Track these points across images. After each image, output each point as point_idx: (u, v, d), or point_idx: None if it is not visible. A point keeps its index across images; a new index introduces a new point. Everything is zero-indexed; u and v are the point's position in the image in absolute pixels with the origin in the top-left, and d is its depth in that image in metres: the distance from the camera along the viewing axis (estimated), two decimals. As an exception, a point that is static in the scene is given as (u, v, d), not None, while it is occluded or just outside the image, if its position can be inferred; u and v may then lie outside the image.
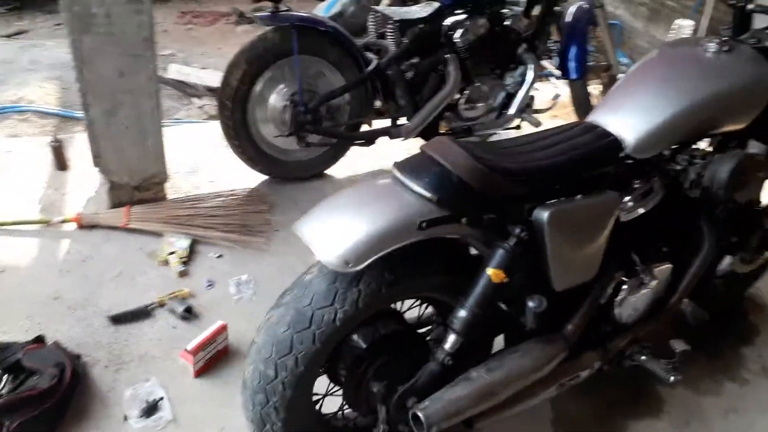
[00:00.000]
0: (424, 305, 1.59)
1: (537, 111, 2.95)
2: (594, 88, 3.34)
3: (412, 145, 2.88)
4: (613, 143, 1.49)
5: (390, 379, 1.37)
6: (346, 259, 1.19)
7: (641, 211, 1.53)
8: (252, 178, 2.71)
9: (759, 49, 1.63)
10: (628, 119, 1.53)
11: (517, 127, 2.96)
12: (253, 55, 2.46)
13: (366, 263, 1.20)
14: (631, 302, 1.59)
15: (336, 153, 2.78)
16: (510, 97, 2.89)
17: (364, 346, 1.36)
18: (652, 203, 1.55)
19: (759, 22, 1.78)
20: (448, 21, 2.67)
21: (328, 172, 2.82)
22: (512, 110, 2.86)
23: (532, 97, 2.91)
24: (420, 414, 1.28)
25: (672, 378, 1.61)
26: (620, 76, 4.00)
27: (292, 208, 2.53)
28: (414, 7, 2.77)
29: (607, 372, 1.64)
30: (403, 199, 1.28)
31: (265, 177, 2.74)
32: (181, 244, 2.27)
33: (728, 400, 1.85)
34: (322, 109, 2.56)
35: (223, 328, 1.88)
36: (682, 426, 1.78)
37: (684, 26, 3.80)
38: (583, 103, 3.14)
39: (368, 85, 2.64)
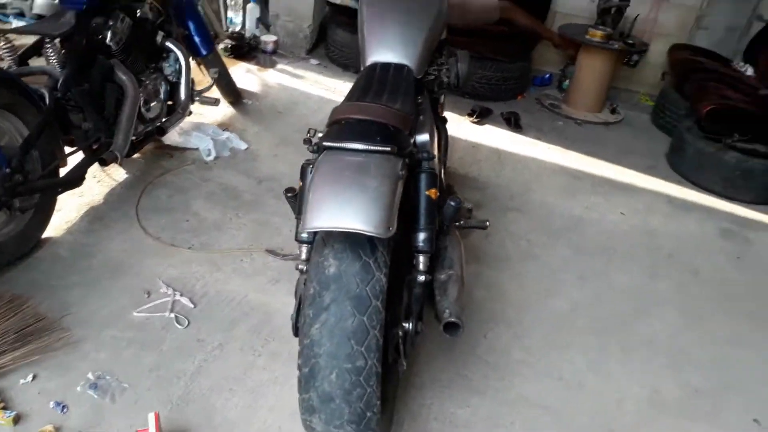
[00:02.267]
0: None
1: (202, 91, 3.02)
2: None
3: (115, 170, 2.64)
4: (410, 72, 1.91)
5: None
6: (386, 224, 1.33)
7: None
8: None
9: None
10: (404, 52, 1.96)
11: (191, 113, 2.98)
12: None
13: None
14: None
15: (45, 212, 2.31)
16: (174, 86, 2.88)
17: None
18: None
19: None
20: (93, 26, 2.45)
21: (46, 235, 2.33)
22: (183, 97, 2.87)
23: (192, 80, 2.95)
24: (454, 320, 1.55)
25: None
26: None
27: (50, 288, 2.09)
28: (44, 22, 2.41)
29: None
30: (374, 160, 1.44)
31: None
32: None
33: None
34: (28, 165, 2.10)
35: (157, 416, 1.61)
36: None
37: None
38: (224, 77, 3.33)
39: (52, 121, 2.25)
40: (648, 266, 2.78)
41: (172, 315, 2.07)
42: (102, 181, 2.72)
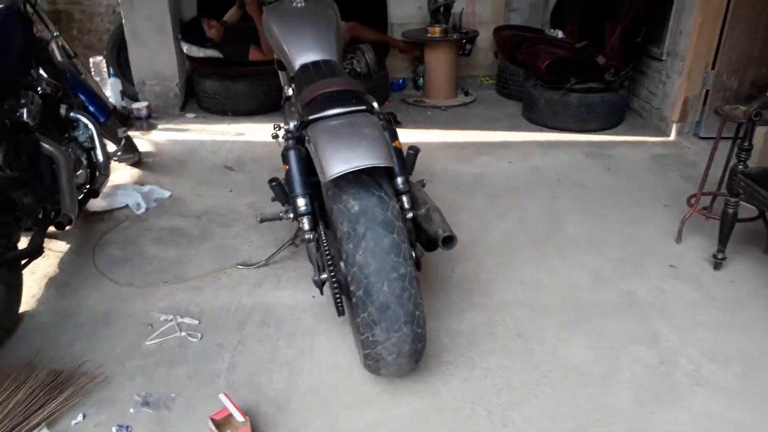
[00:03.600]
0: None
1: (116, 151, 3.12)
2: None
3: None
4: (337, 63, 2.27)
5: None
6: (390, 157, 1.67)
7: None
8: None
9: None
10: (325, 48, 2.31)
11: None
12: None
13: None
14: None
15: (17, 287, 2.31)
16: (91, 152, 2.96)
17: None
18: None
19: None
20: (7, 108, 2.51)
21: (21, 310, 2.32)
22: (102, 159, 2.96)
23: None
24: (449, 233, 1.90)
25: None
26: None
27: (51, 350, 2.13)
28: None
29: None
30: (358, 117, 1.77)
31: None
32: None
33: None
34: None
35: (227, 395, 1.77)
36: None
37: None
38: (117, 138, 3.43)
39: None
40: (546, 192, 3.33)
41: (183, 334, 2.20)
42: (47, 256, 2.71)
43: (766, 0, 3.67)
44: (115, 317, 2.31)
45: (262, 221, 2.54)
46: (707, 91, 4.00)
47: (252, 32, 4.52)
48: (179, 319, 2.27)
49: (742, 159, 2.36)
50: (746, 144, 2.34)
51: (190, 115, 4.69)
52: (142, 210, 3.11)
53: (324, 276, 1.95)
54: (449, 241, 1.89)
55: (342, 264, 1.74)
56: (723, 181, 2.87)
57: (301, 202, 1.97)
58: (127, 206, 3.13)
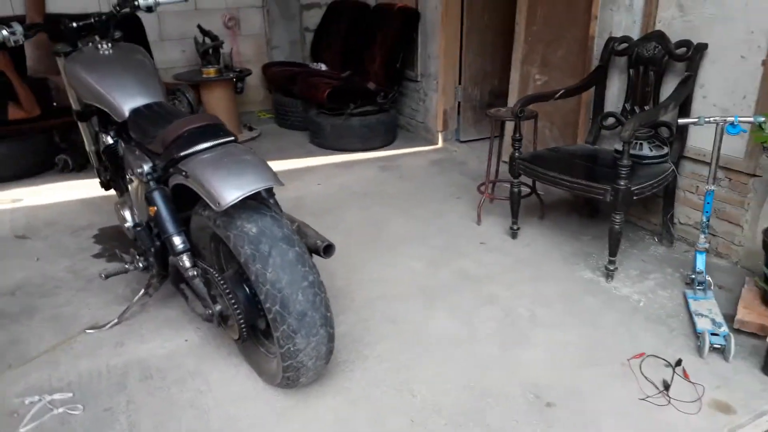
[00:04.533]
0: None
1: None
2: None
3: None
4: (166, 104, 2.32)
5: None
6: (275, 177, 1.82)
7: None
8: None
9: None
10: (151, 91, 2.34)
11: None
12: None
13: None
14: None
15: None
16: None
17: None
18: None
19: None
20: None
21: None
22: None
23: None
24: (329, 242, 2.09)
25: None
26: None
27: None
28: None
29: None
30: (229, 147, 1.89)
31: None
32: None
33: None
34: None
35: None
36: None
37: None
38: None
39: None
40: (360, 203, 3.70)
41: (61, 410, 2.00)
42: None
43: (487, 25, 4.58)
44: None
45: (107, 277, 2.44)
46: (459, 103, 4.80)
47: (6, 89, 4.09)
48: (48, 397, 2.05)
49: (516, 147, 2.99)
50: (517, 135, 2.97)
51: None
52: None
53: (218, 307, 1.99)
54: (329, 249, 2.09)
55: (243, 288, 1.82)
56: (496, 171, 3.55)
57: (178, 240, 1.99)
58: None
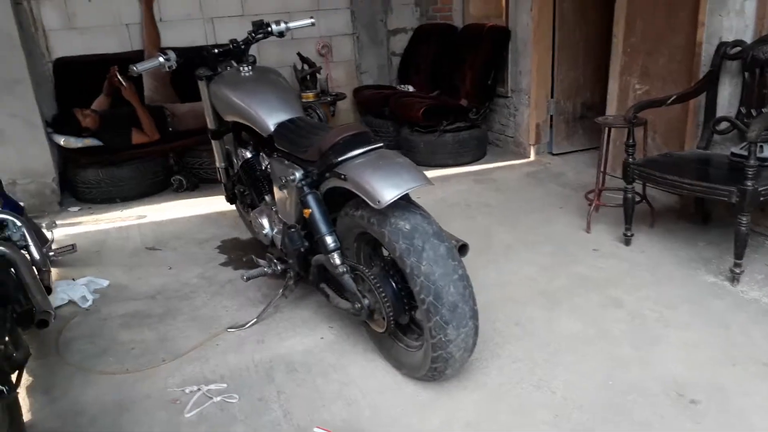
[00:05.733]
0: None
1: (49, 245, 2.92)
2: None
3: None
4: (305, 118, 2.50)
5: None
6: (427, 178, 1.94)
7: None
8: None
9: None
10: (292, 108, 2.54)
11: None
12: None
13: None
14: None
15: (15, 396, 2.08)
16: (26, 249, 2.76)
17: None
18: None
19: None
20: None
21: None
22: (39, 256, 2.76)
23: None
24: (464, 242, 2.19)
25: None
26: None
27: None
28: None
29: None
30: (381, 151, 2.03)
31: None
32: None
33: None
34: None
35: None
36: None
37: None
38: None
39: None
40: (463, 214, 3.79)
41: (219, 398, 2.16)
42: None
43: (579, 39, 4.63)
44: (130, 403, 2.18)
45: (248, 279, 2.61)
46: (551, 116, 4.84)
47: (131, 116, 4.46)
48: (204, 387, 2.22)
49: (629, 153, 3.01)
50: (631, 141, 3.00)
51: (74, 209, 4.40)
52: (90, 303, 2.91)
53: (367, 301, 2.11)
54: (464, 248, 2.18)
55: (390, 284, 1.96)
56: (603, 180, 3.56)
57: (330, 240, 2.14)
58: (68, 302, 2.91)
